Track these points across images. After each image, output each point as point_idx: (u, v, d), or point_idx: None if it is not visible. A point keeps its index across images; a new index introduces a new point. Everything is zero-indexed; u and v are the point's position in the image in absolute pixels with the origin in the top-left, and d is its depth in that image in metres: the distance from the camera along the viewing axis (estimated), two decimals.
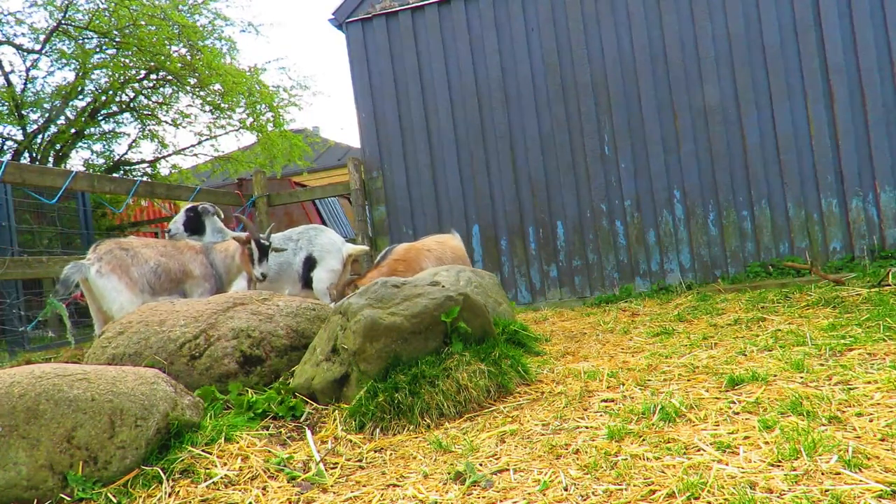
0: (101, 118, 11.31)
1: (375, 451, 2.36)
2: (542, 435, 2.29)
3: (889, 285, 4.67)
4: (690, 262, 6.47)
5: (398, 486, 2.02)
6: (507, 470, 2.02)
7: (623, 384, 2.81)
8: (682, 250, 6.48)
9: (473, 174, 6.93)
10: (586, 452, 2.06)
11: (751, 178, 6.30)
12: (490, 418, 2.56)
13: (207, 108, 11.78)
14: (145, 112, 11.77)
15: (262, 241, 4.60)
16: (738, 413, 2.26)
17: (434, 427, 2.53)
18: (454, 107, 6.98)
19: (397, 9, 7.03)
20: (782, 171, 6.23)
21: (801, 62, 6.19)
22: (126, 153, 12.05)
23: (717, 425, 2.16)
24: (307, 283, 5.39)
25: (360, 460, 2.29)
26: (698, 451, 1.96)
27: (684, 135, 6.45)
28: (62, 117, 10.72)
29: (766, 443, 1.94)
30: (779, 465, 1.79)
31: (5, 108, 10.20)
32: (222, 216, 5.46)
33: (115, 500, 2.03)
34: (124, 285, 4.14)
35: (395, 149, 7.10)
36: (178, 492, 2.07)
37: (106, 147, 11.97)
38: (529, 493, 1.84)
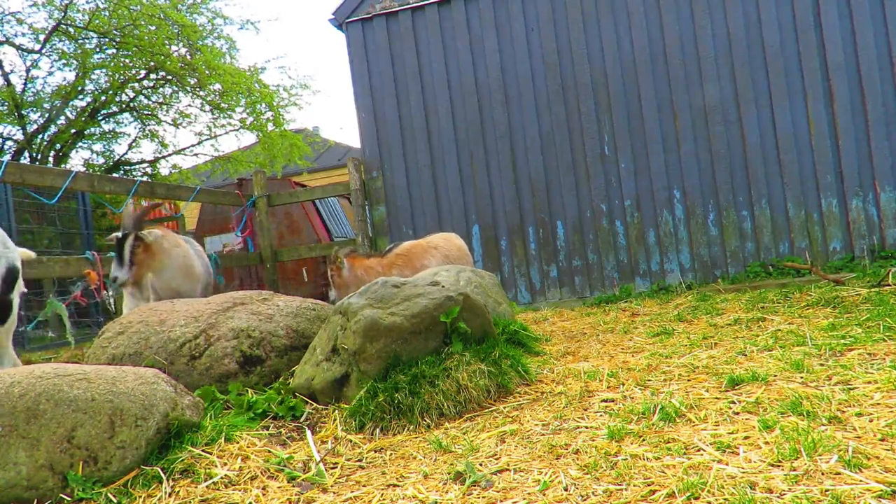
0: (101, 118, 11.31)
1: (375, 451, 2.36)
2: (542, 435, 2.29)
3: (889, 285, 4.67)
4: (690, 262, 6.46)
5: (398, 486, 2.02)
6: (507, 470, 2.02)
7: (623, 384, 2.81)
8: (682, 250, 6.48)
9: (473, 174, 6.92)
10: (586, 452, 2.06)
11: (751, 177, 6.30)
12: (490, 418, 2.56)
13: (207, 107, 11.79)
14: (145, 112, 11.78)
15: None
16: (738, 413, 2.26)
17: (434, 427, 2.53)
18: (454, 107, 6.98)
19: (397, 9, 7.03)
20: (782, 171, 6.23)
21: (801, 62, 6.19)
22: (126, 153, 12.07)
23: (717, 425, 2.16)
24: None
25: (360, 460, 2.29)
26: (698, 451, 1.96)
27: (684, 135, 6.45)
28: (62, 117, 10.73)
29: (766, 443, 1.94)
30: (779, 465, 1.78)
31: (5, 108, 10.21)
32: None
33: (115, 500, 2.03)
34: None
35: (395, 149, 7.10)
36: (178, 492, 2.07)
37: (106, 147, 11.99)
38: (529, 493, 1.84)
